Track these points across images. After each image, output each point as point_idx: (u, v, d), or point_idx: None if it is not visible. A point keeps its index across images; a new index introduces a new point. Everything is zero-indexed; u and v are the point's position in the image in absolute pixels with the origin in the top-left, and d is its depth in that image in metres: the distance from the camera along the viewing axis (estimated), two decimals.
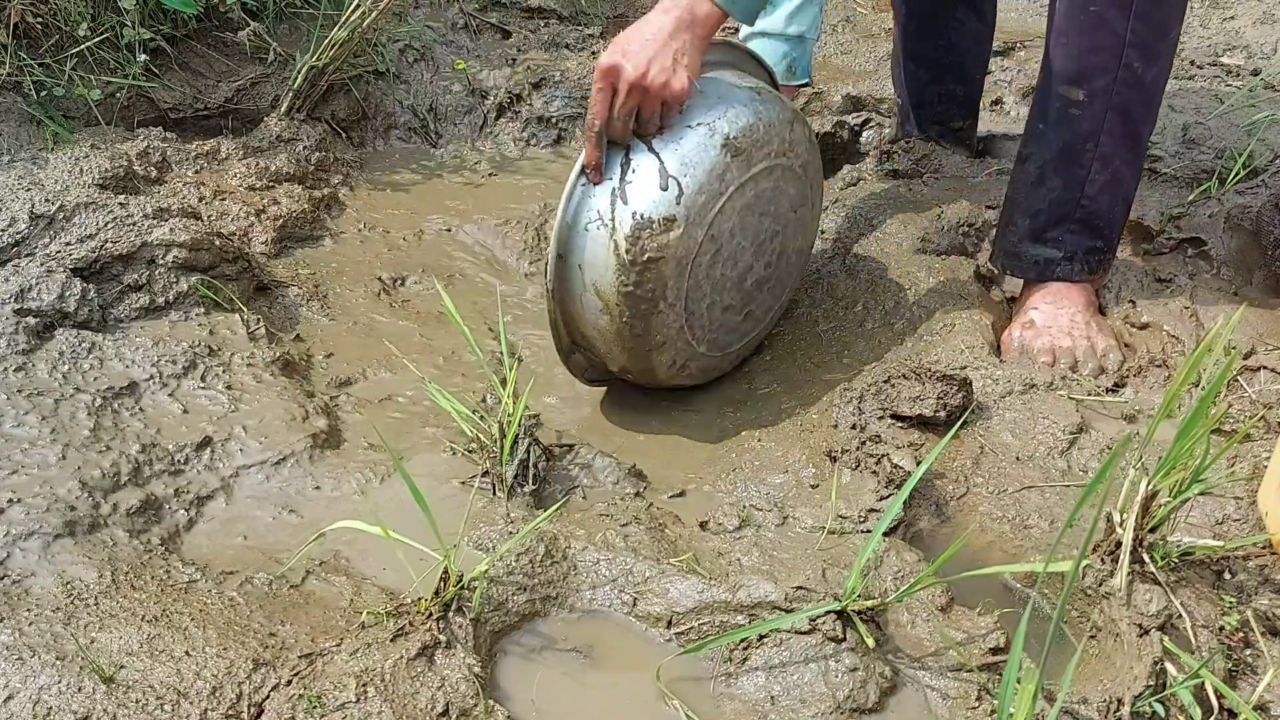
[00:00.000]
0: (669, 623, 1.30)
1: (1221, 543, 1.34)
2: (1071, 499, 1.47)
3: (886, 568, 1.34)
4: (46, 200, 1.76)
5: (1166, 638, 1.22)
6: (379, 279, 2.03)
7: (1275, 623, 1.27)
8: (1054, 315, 1.79)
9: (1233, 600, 1.29)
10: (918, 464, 1.46)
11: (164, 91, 2.38)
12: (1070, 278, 1.83)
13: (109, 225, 1.76)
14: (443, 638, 1.21)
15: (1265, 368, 1.66)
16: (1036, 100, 1.78)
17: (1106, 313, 1.86)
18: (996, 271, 1.95)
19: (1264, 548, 1.36)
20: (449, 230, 2.24)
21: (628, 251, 1.51)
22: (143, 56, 2.29)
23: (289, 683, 1.16)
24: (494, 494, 1.47)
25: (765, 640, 1.25)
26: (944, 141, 2.36)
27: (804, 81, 2.05)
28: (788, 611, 1.27)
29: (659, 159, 1.52)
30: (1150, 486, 1.24)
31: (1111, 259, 1.86)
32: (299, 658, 1.19)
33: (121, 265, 1.74)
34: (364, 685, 1.15)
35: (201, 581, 1.31)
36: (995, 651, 1.25)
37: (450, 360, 1.83)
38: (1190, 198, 2.08)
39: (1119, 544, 1.28)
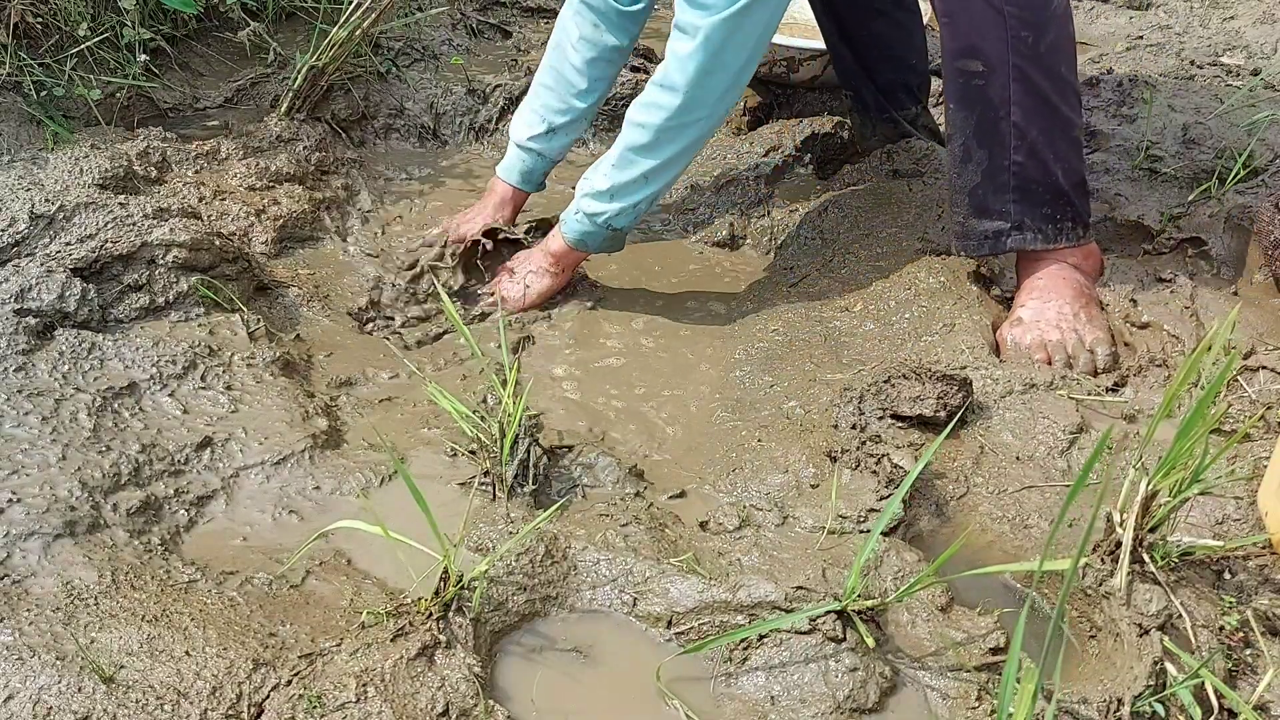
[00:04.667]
0: (669, 623, 1.30)
1: (1221, 543, 1.34)
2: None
3: (886, 568, 1.34)
4: (46, 200, 1.76)
5: (1166, 638, 1.22)
6: (379, 279, 2.03)
7: (1275, 623, 1.27)
8: (1041, 310, 1.80)
9: (1233, 600, 1.29)
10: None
11: (164, 91, 2.38)
12: (1025, 246, 1.84)
13: (109, 225, 1.76)
14: (443, 638, 1.21)
15: (1265, 368, 1.66)
16: (945, 83, 1.83)
17: (1106, 312, 1.86)
18: (955, 253, 1.95)
19: (1264, 548, 1.36)
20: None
21: None
22: (143, 56, 2.29)
23: (289, 683, 1.16)
24: (494, 494, 1.47)
25: (765, 640, 1.25)
26: (900, 131, 2.37)
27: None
28: (788, 611, 1.27)
29: None
30: (1150, 486, 1.24)
31: (1081, 231, 1.85)
32: (299, 658, 1.19)
33: (121, 265, 1.73)
34: (364, 685, 1.15)
35: (201, 581, 1.31)
36: (995, 651, 1.25)
37: (451, 360, 1.83)
38: (1190, 198, 2.08)
39: (1119, 544, 1.28)
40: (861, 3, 2.24)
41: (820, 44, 2.48)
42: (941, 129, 2.44)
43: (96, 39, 2.25)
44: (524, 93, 2.60)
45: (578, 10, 2.02)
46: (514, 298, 1.97)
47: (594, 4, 2.00)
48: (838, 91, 2.59)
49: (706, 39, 1.71)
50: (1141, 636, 1.22)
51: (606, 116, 2.64)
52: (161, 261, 1.76)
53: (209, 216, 2.00)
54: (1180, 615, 1.25)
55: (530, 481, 1.48)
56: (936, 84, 2.46)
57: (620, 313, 2.00)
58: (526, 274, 1.98)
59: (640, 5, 2.01)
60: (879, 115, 2.37)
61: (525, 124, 2.10)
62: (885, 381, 1.62)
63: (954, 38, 1.77)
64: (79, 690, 1.13)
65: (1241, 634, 1.25)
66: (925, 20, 2.36)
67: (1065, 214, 1.83)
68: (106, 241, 1.73)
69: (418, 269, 2.02)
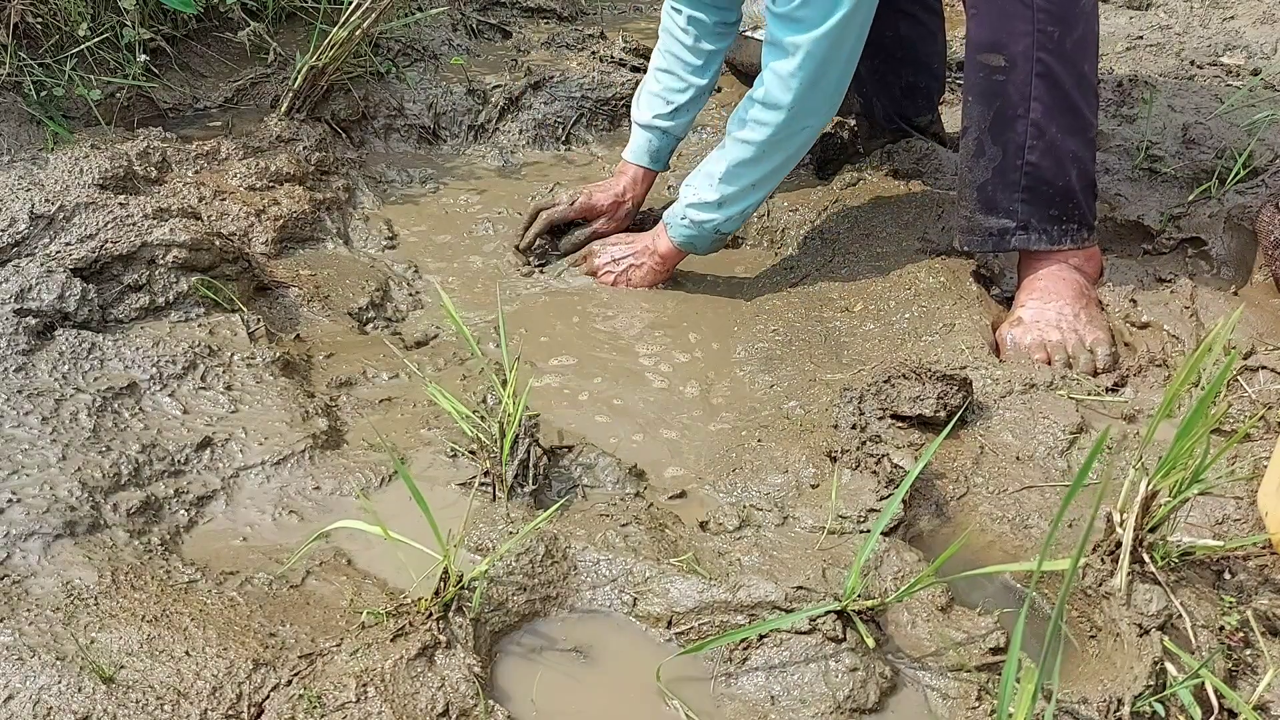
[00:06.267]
0: (669, 623, 1.30)
1: (1221, 543, 1.34)
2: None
3: (886, 568, 1.34)
4: (46, 200, 1.76)
5: (1166, 638, 1.22)
6: (379, 279, 2.03)
7: (1275, 623, 1.27)
8: (1041, 310, 1.79)
9: (1233, 600, 1.29)
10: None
11: (164, 91, 2.38)
12: (1029, 247, 1.84)
13: (109, 225, 1.76)
14: (443, 638, 1.21)
15: (1265, 368, 1.66)
16: (965, 74, 1.82)
17: (1106, 312, 1.86)
18: (957, 248, 1.95)
19: (1264, 548, 1.36)
20: (448, 230, 2.24)
21: None
22: (143, 56, 2.29)
23: (289, 683, 1.16)
24: (494, 494, 1.47)
25: (765, 640, 1.25)
26: (907, 136, 2.37)
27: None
28: (788, 611, 1.27)
29: None
30: (1150, 486, 1.24)
31: (1085, 233, 1.85)
32: (299, 658, 1.19)
33: (121, 265, 1.73)
34: (364, 685, 1.15)
35: (201, 581, 1.31)
36: (995, 651, 1.25)
37: (451, 360, 1.83)
38: (1190, 198, 2.08)
39: (1119, 544, 1.28)
40: (887, 4, 2.24)
41: None
42: (951, 135, 2.44)
43: (96, 39, 2.25)
44: (524, 93, 2.61)
45: None
46: (614, 286, 2.06)
47: None
48: None
49: (808, 55, 1.74)
50: (1141, 636, 1.22)
51: (605, 116, 2.64)
52: (161, 261, 1.76)
53: (209, 216, 2.00)
54: (1180, 615, 1.25)
55: (530, 481, 1.47)
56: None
57: (620, 313, 2.00)
58: (629, 266, 2.05)
59: None
60: (887, 125, 2.37)
61: (649, 107, 2.17)
62: (885, 381, 1.62)
63: (979, 29, 1.76)
64: (79, 690, 1.13)
65: (1241, 634, 1.25)
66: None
67: (1072, 216, 1.83)
68: (106, 241, 1.73)
69: (535, 218, 2.16)
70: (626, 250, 2.07)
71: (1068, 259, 1.85)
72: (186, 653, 1.18)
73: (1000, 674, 1.20)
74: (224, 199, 2.07)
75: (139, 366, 1.62)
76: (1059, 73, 1.74)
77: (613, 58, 2.75)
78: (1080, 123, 1.79)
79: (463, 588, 1.26)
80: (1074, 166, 1.80)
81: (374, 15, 2.29)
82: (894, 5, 2.23)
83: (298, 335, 1.84)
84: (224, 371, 1.66)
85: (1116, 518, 1.30)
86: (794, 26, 1.73)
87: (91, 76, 2.24)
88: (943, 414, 1.57)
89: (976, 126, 1.82)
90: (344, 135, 2.45)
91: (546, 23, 3.03)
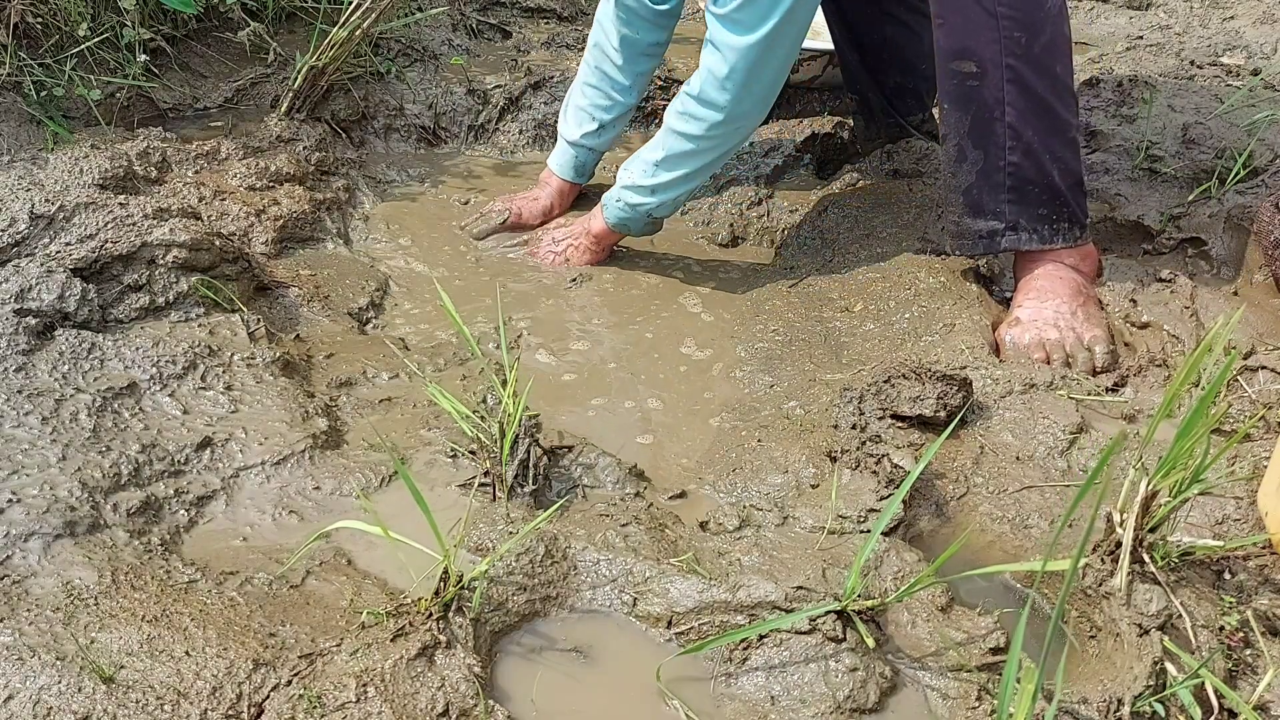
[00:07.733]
0: (669, 623, 1.30)
1: (1221, 543, 1.34)
2: (1072, 499, 1.47)
3: (886, 568, 1.34)
4: (46, 200, 1.76)
5: (1166, 638, 1.22)
6: (379, 279, 2.03)
7: (1275, 623, 1.27)
8: (1039, 309, 1.80)
9: (1233, 600, 1.29)
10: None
11: (164, 91, 2.38)
12: (1020, 247, 1.84)
13: (109, 225, 1.76)
14: (443, 638, 1.21)
15: (1265, 368, 1.66)
16: (939, 82, 1.82)
17: (1106, 312, 1.86)
18: (949, 253, 1.95)
19: (1264, 548, 1.36)
20: (448, 230, 2.25)
21: None
22: (143, 56, 2.29)
23: (289, 683, 1.16)
24: (494, 494, 1.47)
25: (765, 640, 1.25)
26: (903, 132, 2.38)
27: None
28: (788, 611, 1.27)
29: None
30: (1150, 486, 1.24)
31: (1078, 232, 1.85)
32: (299, 658, 1.19)
33: (121, 265, 1.73)
34: (364, 685, 1.15)
35: (201, 581, 1.31)
36: (995, 651, 1.25)
37: (451, 361, 1.83)
38: (1190, 198, 2.08)
39: (1119, 544, 1.28)
40: (872, 7, 2.24)
41: (820, 44, 2.48)
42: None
43: (96, 39, 2.25)
44: (524, 93, 2.61)
45: (614, 12, 2.11)
46: (555, 268, 2.13)
47: (630, 4, 2.08)
48: (838, 91, 2.59)
49: (742, 57, 1.78)
50: (1141, 636, 1.22)
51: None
52: (161, 261, 1.76)
53: (209, 216, 2.00)
54: (1180, 615, 1.25)
55: (530, 481, 1.47)
56: None
57: (620, 313, 2.00)
58: (567, 247, 2.13)
59: (673, 3, 2.10)
60: (884, 119, 2.37)
61: (576, 123, 2.24)
62: (885, 381, 1.62)
63: (947, 39, 1.77)
64: (79, 690, 1.13)
65: (1241, 634, 1.25)
66: None
67: (1061, 215, 1.83)
68: (106, 241, 1.73)
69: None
70: (564, 234, 2.16)
71: (1063, 258, 1.85)
72: (186, 653, 1.18)
73: (1000, 674, 1.21)
74: (224, 199, 2.07)
75: (139, 366, 1.62)
76: (1029, 77, 1.75)
77: None
78: (1058, 123, 1.79)
79: (463, 588, 1.26)
80: (1055, 166, 1.80)
81: (374, 15, 2.29)
82: (879, 8, 2.24)
83: (298, 335, 1.84)
84: (224, 371, 1.66)
85: (1116, 518, 1.30)
86: (731, 28, 1.77)
87: (91, 76, 2.24)
88: (943, 414, 1.58)
89: (956, 132, 1.82)
90: (344, 135, 2.45)
91: (546, 23, 3.03)
